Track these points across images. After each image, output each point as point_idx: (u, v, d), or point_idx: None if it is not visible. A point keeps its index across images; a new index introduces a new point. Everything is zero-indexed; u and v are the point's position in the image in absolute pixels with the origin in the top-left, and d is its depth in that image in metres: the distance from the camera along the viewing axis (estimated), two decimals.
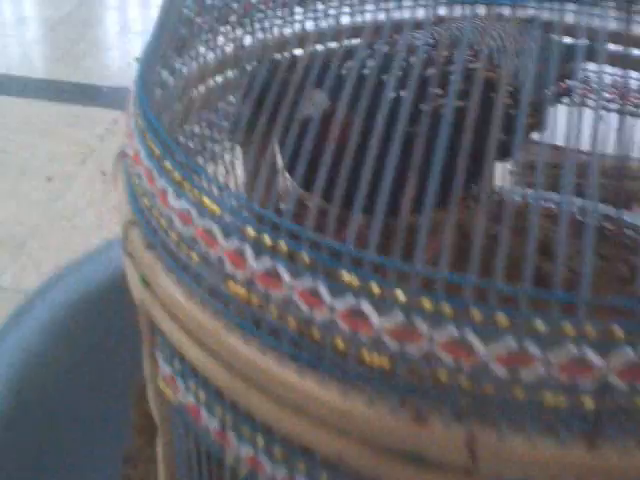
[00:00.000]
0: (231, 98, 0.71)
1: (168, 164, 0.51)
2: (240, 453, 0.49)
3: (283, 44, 0.72)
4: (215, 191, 0.48)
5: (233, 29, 0.69)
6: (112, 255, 1.02)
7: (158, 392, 0.57)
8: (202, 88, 0.67)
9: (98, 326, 0.97)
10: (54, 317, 0.96)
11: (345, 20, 0.77)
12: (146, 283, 0.52)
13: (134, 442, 0.87)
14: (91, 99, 2.07)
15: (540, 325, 0.39)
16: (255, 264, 0.44)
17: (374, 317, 0.41)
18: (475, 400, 0.41)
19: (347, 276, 0.42)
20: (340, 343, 0.42)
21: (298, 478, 0.47)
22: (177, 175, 0.50)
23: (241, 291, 0.45)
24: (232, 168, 0.63)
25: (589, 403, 0.39)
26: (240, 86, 0.62)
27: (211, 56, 0.66)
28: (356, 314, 0.41)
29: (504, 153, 0.48)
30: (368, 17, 0.78)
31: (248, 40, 0.71)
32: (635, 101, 0.86)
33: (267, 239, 0.44)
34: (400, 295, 0.40)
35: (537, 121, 0.64)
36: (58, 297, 0.98)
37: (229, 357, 0.47)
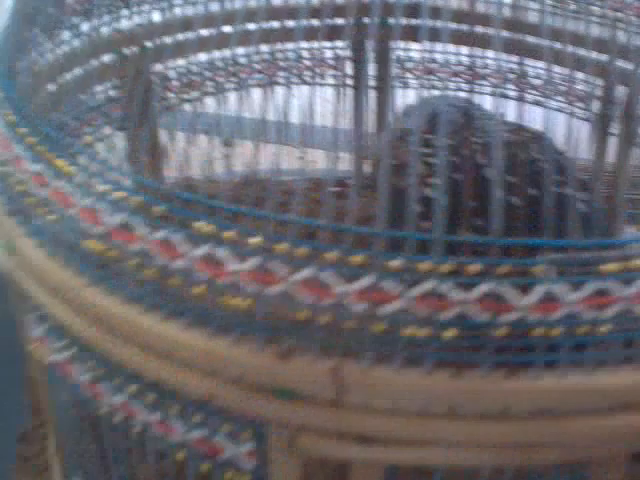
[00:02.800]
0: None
1: (22, 130, 0.49)
2: (113, 402, 0.48)
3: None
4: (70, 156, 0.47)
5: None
6: None
7: (35, 356, 0.56)
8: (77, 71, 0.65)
9: None
10: None
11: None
12: (10, 249, 0.51)
13: (29, 422, 0.85)
14: None
15: (395, 263, 0.39)
16: (110, 219, 0.43)
17: (230, 263, 0.40)
18: (338, 335, 0.40)
19: (202, 225, 0.41)
20: (199, 290, 0.42)
21: (172, 420, 0.47)
22: (31, 139, 0.48)
23: (98, 247, 0.44)
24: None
25: (449, 333, 0.39)
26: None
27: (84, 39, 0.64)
28: (212, 261, 0.41)
29: None
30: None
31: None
32: None
33: (120, 195, 0.43)
34: (255, 241, 0.40)
35: None
36: None
37: (94, 312, 0.45)
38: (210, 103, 0.84)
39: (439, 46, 0.89)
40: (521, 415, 0.41)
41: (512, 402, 0.41)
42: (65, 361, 0.50)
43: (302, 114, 0.76)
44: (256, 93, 0.83)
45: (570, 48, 0.72)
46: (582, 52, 0.75)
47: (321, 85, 0.92)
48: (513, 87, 0.88)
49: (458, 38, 0.84)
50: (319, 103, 0.85)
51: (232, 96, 0.83)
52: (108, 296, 0.45)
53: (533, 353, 0.40)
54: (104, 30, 0.70)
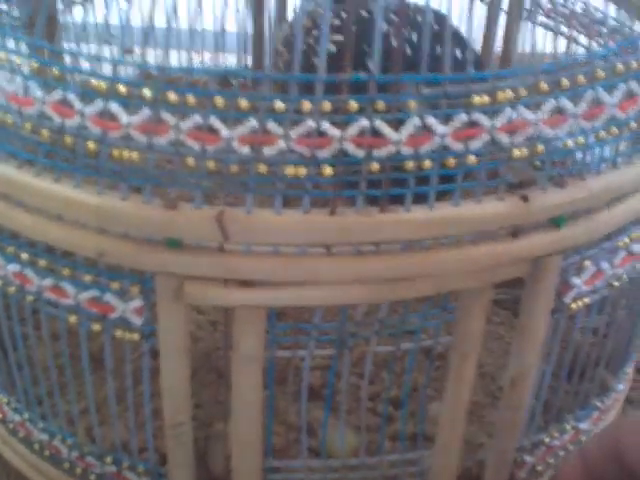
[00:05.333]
0: None
1: None
2: (7, 272, 0.49)
3: None
4: None
5: None
6: None
7: None
8: None
9: None
10: None
11: None
12: None
13: None
14: None
15: (279, 105, 0.40)
16: (6, 86, 0.44)
17: (122, 115, 0.41)
18: (222, 180, 0.42)
19: (95, 82, 0.42)
20: (91, 145, 0.42)
21: (63, 284, 0.47)
22: None
23: None
24: None
25: (327, 171, 0.41)
26: None
27: None
28: (105, 116, 0.42)
29: None
30: None
31: None
32: None
33: (16, 60, 0.43)
34: (146, 92, 0.41)
35: None
36: None
37: None
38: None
39: None
40: (392, 250, 0.44)
41: (385, 235, 0.43)
42: None
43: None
44: None
45: None
46: None
47: None
48: None
49: None
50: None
51: None
52: (3, 162, 0.45)
53: (405, 186, 0.42)
54: None
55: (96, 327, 0.47)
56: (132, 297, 0.46)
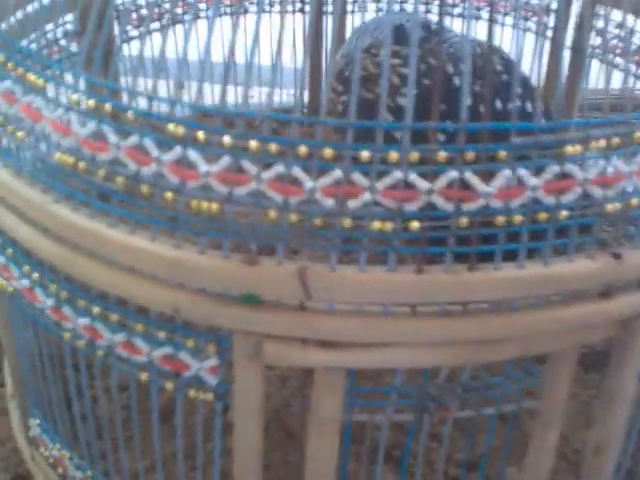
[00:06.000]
0: None
1: None
2: (77, 325, 0.47)
3: None
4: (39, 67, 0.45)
5: None
6: None
7: None
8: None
9: None
10: None
11: None
12: None
13: None
14: None
15: (365, 154, 0.38)
16: (80, 130, 0.42)
17: (201, 164, 0.39)
18: (305, 234, 0.39)
19: (172, 127, 0.40)
20: (169, 195, 0.40)
21: (136, 340, 0.45)
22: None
23: (68, 159, 0.43)
24: None
25: (415, 226, 0.39)
26: None
27: None
28: (183, 163, 0.40)
29: None
30: None
31: None
32: None
33: (91, 103, 0.42)
34: (226, 139, 0.39)
35: None
36: None
37: (59, 229, 0.44)
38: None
39: None
40: (481, 310, 0.41)
41: (473, 295, 0.40)
42: (29, 287, 0.49)
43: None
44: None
45: None
46: None
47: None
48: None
49: None
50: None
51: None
52: (75, 211, 0.44)
53: (494, 243, 0.40)
54: None
55: (169, 385, 0.45)
56: (208, 355, 0.44)
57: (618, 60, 0.89)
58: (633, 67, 0.90)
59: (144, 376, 0.46)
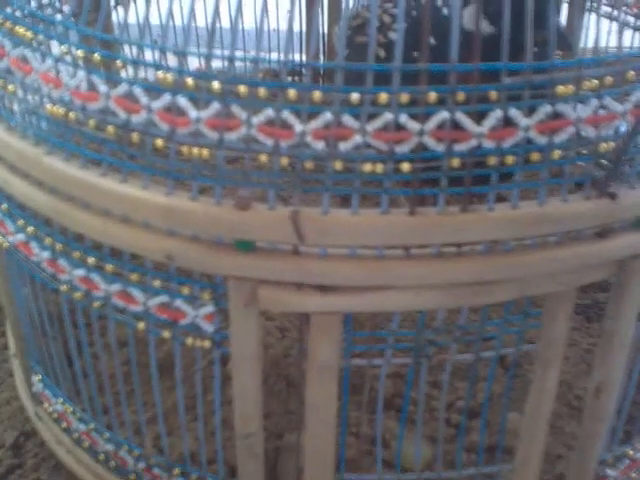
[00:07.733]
0: None
1: None
2: (73, 277, 0.46)
3: None
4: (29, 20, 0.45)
5: None
6: None
7: None
8: None
9: None
10: None
11: None
12: None
13: None
14: None
15: (355, 96, 0.37)
16: (70, 81, 0.41)
17: (191, 110, 0.39)
18: (296, 178, 0.39)
19: (161, 75, 0.39)
20: (159, 142, 0.40)
21: (132, 289, 0.44)
22: None
23: (59, 111, 0.42)
24: None
25: (407, 167, 0.38)
26: None
27: None
28: (173, 110, 0.39)
29: None
30: None
31: None
32: None
33: (80, 53, 0.41)
34: (215, 85, 0.38)
35: None
36: None
37: (53, 181, 0.44)
38: None
39: None
40: (475, 252, 0.41)
41: (467, 235, 0.39)
42: (24, 241, 0.48)
43: None
44: None
45: None
46: None
47: None
48: None
49: None
50: None
51: None
52: (67, 162, 0.43)
53: (487, 183, 0.39)
54: None
55: (166, 334, 0.45)
56: (203, 303, 0.43)
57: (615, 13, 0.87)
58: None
59: (141, 326, 0.45)
